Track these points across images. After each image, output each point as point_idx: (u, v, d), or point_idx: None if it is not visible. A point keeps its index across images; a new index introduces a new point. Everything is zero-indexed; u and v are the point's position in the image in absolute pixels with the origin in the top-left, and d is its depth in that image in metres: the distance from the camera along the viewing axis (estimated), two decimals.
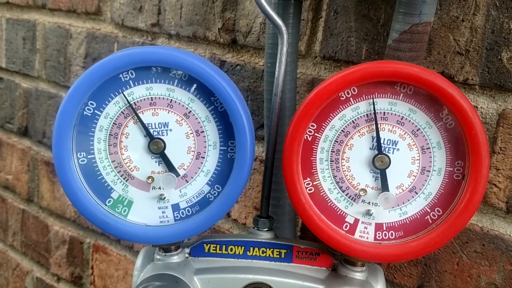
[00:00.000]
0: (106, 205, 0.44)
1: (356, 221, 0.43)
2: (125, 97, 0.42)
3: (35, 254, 0.99)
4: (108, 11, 0.79)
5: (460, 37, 0.50)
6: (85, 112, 0.43)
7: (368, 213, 0.42)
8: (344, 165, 0.43)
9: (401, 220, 0.43)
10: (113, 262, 0.85)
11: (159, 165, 0.44)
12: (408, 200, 0.42)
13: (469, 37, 0.49)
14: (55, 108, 0.89)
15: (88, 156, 0.43)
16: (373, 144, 0.42)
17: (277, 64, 0.45)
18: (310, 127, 0.42)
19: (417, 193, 0.42)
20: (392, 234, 0.42)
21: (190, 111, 0.43)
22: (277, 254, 0.46)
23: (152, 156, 0.44)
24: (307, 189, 0.43)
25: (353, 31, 0.56)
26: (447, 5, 0.50)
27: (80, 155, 0.43)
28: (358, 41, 0.55)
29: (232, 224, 0.70)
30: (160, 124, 0.43)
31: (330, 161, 0.43)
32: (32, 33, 0.91)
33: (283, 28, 0.44)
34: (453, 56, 0.50)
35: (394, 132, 0.42)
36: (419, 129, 0.42)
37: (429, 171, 0.42)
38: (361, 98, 0.42)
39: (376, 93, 0.41)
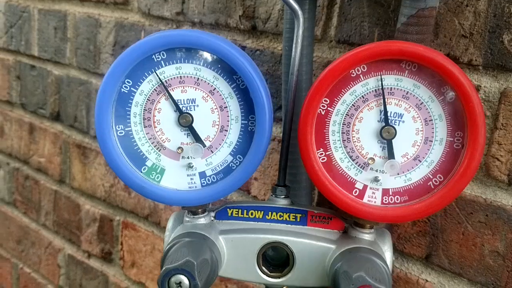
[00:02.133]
0: (141, 172, 0.48)
1: (365, 187, 0.46)
2: (158, 76, 0.46)
3: (67, 232, 1.04)
4: (135, 1, 0.82)
5: (465, 21, 0.52)
6: (122, 90, 0.47)
7: (375, 180, 0.46)
8: (354, 137, 0.46)
9: (406, 186, 0.46)
10: (141, 238, 0.89)
11: (187, 137, 0.48)
12: (412, 168, 0.46)
13: (473, 21, 0.51)
14: (86, 94, 0.93)
15: (126, 129, 0.47)
16: (380, 117, 0.45)
17: (294, 45, 0.49)
18: (323, 102, 0.46)
19: (420, 161, 0.45)
20: (397, 198, 0.46)
21: (215, 88, 0.47)
22: (293, 218, 0.50)
23: (182, 129, 0.47)
24: (320, 159, 0.46)
25: (366, 16, 0.58)
26: None
27: (119, 127, 0.47)
28: (370, 26, 0.58)
29: (252, 200, 0.73)
30: (188, 100, 0.47)
31: (342, 133, 0.46)
32: (63, 23, 0.95)
33: (299, 12, 0.48)
34: (458, 39, 0.53)
35: (400, 105, 0.45)
36: (422, 102, 0.44)
37: (432, 141, 0.45)
38: (370, 75, 0.45)
39: (384, 70, 0.44)
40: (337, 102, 0.46)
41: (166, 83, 0.47)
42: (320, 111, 0.46)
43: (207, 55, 0.47)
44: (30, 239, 1.14)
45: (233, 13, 0.70)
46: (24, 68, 1.06)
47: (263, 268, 0.49)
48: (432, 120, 0.45)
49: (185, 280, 0.41)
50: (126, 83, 0.47)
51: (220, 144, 0.48)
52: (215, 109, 0.47)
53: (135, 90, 0.47)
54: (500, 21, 0.50)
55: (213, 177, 0.49)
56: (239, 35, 0.71)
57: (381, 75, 0.44)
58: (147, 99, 0.47)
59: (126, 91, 0.47)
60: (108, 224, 0.95)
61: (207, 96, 0.47)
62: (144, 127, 0.48)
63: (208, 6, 0.73)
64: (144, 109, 0.47)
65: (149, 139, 0.48)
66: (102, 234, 0.96)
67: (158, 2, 0.79)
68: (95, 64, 0.90)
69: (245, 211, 0.50)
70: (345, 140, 0.46)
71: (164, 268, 0.41)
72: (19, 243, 1.17)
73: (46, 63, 1.01)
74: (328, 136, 0.46)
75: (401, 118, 0.45)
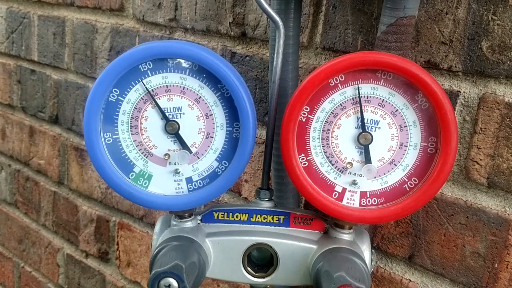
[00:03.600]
0: (129, 178, 0.50)
1: (344, 190, 0.48)
2: (144, 85, 0.48)
3: (66, 232, 1.05)
4: (130, 7, 0.84)
5: (445, 28, 0.53)
6: (110, 98, 0.48)
7: (354, 183, 0.48)
8: (333, 142, 0.48)
9: (382, 189, 0.48)
10: (136, 238, 0.91)
11: (174, 143, 0.49)
12: (388, 171, 0.47)
13: (452, 28, 0.53)
14: (83, 98, 0.95)
15: (113, 136, 0.49)
16: (358, 124, 0.47)
17: (275, 55, 0.50)
18: (304, 109, 0.47)
19: (396, 165, 0.47)
20: (374, 200, 0.47)
21: (200, 96, 0.49)
22: (276, 220, 0.51)
23: (168, 136, 0.49)
24: (302, 163, 0.48)
25: (350, 24, 0.60)
26: None
27: (106, 135, 0.49)
28: (354, 33, 0.59)
29: (243, 202, 0.75)
30: (174, 108, 0.48)
31: (321, 139, 0.48)
32: (61, 28, 0.96)
33: (280, 23, 0.49)
34: (438, 46, 0.54)
35: (376, 113, 0.46)
36: (397, 110, 0.46)
37: (406, 146, 0.47)
38: (348, 84, 0.46)
39: (361, 79, 0.46)
40: (317, 109, 0.48)
41: (153, 92, 0.48)
42: (301, 118, 0.48)
43: (192, 65, 0.48)
44: (31, 239, 1.16)
45: (223, 20, 0.72)
46: (24, 72, 1.08)
47: (248, 268, 0.51)
48: (406, 126, 0.46)
49: (174, 282, 0.43)
50: (114, 92, 0.48)
51: (206, 151, 0.50)
52: (200, 116, 0.49)
53: (122, 99, 0.48)
54: (478, 28, 0.51)
55: (200, 182, 0.50)
56: (230, 41, 0.72)
57: (358, 84, 0.46)
58: (134, 107, 0.49)
59: (114, 100, 0.48)
60: (104, 225, 0.96)
61: (192, 104, 0.49)
62: (132, 134, 0.49)
63: (199, 13, 0.74)
64: (131, 117, 0.49)
65: (136, 146, 0.49)
66: (99, 235, 0.98)
67: (152, 9, 0.80)
68: (91, 69, 0.92)
69: (230, 214, 0.52)
70: (324, 146, 0.48)
71: (153, 272, 0.43)
72: (20, 242, 1.19)
73: (45, 67, 1.03)
74: (308, 142, 0.48)
75: (377, 125, 0.47)
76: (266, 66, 0.68)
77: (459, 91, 0.54)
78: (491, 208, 0.54)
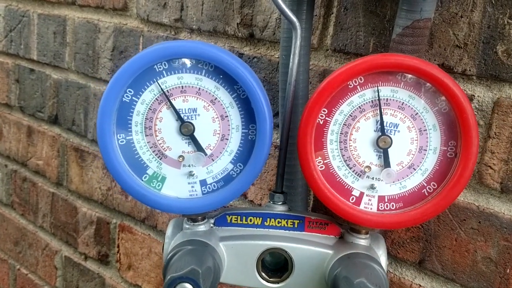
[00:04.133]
0: (142, 180, 0.49)
1: (361, 194, 0.48)
2: (159, 86, 0.47)
3: (64, 234, 1.04)
4: (134, 7, 0.83)
5: (459, 31, 0.53)
6: (124, 99, 0.47)
7: (372, 187, 0.47)
8: (351, 145, 0.47)
9: (401, 193, 0.47)
10: (138, 241, 0.90)
11: (188, 145, 0.49)
12: (407, 176, 0.47)
13: (467, 31, 0.52)
14: (84, 98, 0.94)
15: (127, 137, 0.48)
16: (377, 127, 0.46)
17: (291, 56, 0.50)
18: (322, 112, 0.47)
19: (415, 169, 0.47)
20: (393, 205, 0.47)
21: (216, 98, 0.48)
22: (291, 224, 0.51)
23: (183, 137, 0.48)
24: (319, 167, 0.48)
25: (362, 26, 0.59)
26: (447, 2, 0.53)
27: (120, 136, 0.48)
28: (366, 35, 0.59)
29: (248, 205, 0.74)
30: (189, 110, 0.48)
31: (339, 142, 0.47)
32: (62, 27, 0.95)
33: (297, 24, 0.49)
34: (452, 49, 0.54)
35: (396, 116, 0.46)
36: (417, 113, 0.46)
37: (426, 150, 0.46)
38: (367, 86, 0.46)
39: (380, 82, 0.46)
40: (335, 112, 0.47)
41: (168, 92, 0.48)
42: (318, 120, 0.47)
43: (209, 66, 0.47)
44: (28, 240, 1.14)
45: (231, 21, 0.71)
46: (23, 71, 1.07)
47: (262, 273, 0.50)
48: (426, 130, 0.46)
49: None
50: (128, 92, 0.47)
51: (221, 153, 0.49)
52: (216, 118, 0.48)
53: (137, 100, 0.48)
54: (494, 32, 0.51)
55: (214, 185, 0.49)
56: (237, 42, 0.72)
57: (377, 86, 0.46)
58: (149, 108, 0.48)
59: (128, 100, 0.48)
60: (105, 227, 0.95)
61: (208, 106, 0.48)
62: (146, 135, 0.48)
63: (206, 13, 0.73)
64: (145, 118, 0.48)
65: (150, 147, 0.49)
66: (99, 237, 0.97)
67: (156, 9, 0.80)
68: (93, 69, 0.91)
69: (244, 217, 0.51)
70: (342, 149, 0.47)
71: (169, 277, 0.42)
72: (16, 244, 1.18)
73: (45, 67, 1.02)
74: (326, 145, 0.48)
75: (396, 128, 0.46)
76: (274, 67, 0.68)
77: (473, 95, 0.54)
78: (503, 213, 0.53)
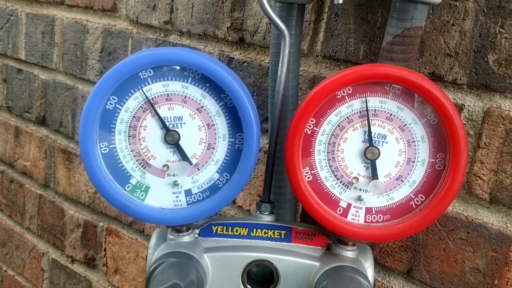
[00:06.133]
0: (125, 190, 0.48)
1: (349, 205, 0.47)
2: (144, 93, 0.46)
3: (51, 236, 1.03)
4: (123, 8, 0.82)
5: (450, 40, 0.52)
6: (107, 106, 0.46)
7: (359, 199, 0.47)
8: (339, 156, 0.47)
9: (388, 205, 0.47)
10: (125, 245, 0.89)
11: (173, 154, 0.48)
12: (395, 187, 0.46)
13: (458, 40, 0.52)
14: (72, 99, 0.93)
15: (110, 146, 0.47)
16: (365, 138, 0.46)
17: (280, 64, 0.49)
18: (310, 122, 0.46)
19: (403, 181, 0.46)
20: (380, 217, 0.46)
21: (202, 106, 0.47)
22: (277, 235, 0.50)
23: (168, 146, 0.47)
24: (306, 177, 0.47)
25: (352, 32, 0.59)
26: (438, 10, 0.52)
27: (103, 144, 0.47)
28: (356, 42, 0.58)
29: (237, 211, 0.74)
30: (175, 118, 0.47)
31: (327, 152, 0.47)
32: (50, 27, 0.94)
33: (286, 32, 0.48)
34: (443, 58, 0.53)
35: (384, 127, 0.45)
36: (405, 124, 0.45)
37: (414, 162, 0.46)
38: (355, 96, 0.45)
39: (369, 92, 0.45)
40: (323, 122, 0.46)
41: (153, 100, 0.47)
42: (306, 130, 0.46)
43: (195, 73, 0.47)
44: (15, 242, 1.13)
45: (221, 25, 0.70)
46: (11, 71, 1.05)
47: (248, 286, 0.49)
48: (414, 141, 0.46)
49: None
50: (111, 100, 0.46)
51: (207, 162, 0.48)
52: (202, 126, 0.48)
53: (121, 107, 0.47)
54: (485, 41, 0.51)
55: (199, 195, 0.49)
56: (227, 46, 0.71)
57: (366, 97, 0.45)
58: (133, 116, 0.47)
59: (111, 108, 0.47)
60: (91, 230, 0.94)
61: (194, 114, 0.47)
62: (129, 144, 0.47)
63: (196, 16, 0.73)
64: (129, 126, 0.47)
65: (134, 156, 0.48)
66: (86, 240, 0.96)
67: (146, 11, 0.79)
68: (81, 70, 0.90)
69: (230, 228, 0.50)
70: (330, 159, 0.47)
71: None
72: (3, 245, 1.16)
73: (33, 67, 1.00)
74: (314, 155, 0.47)
75: (384, 139, 0.46)
76: (264, 72, 0.67)
77: (464, 105, 0.53)
78: (492, 224, 0.53)
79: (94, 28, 0.87)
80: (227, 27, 0.69)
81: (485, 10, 0.50)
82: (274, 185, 0.59)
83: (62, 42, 0.93)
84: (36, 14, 0.97)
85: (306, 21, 0.62)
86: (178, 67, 0.46)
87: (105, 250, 0.92)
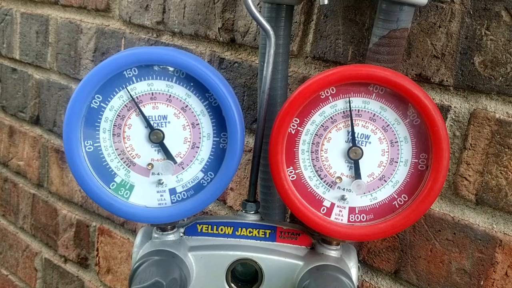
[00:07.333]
0: (110, 188, 0.48)
1: (332, 205, 0.47)
2: (129, 92, 0.46)
3: (44, 236, 1.03)
4: (116, 8, 0.82)
5: (437, 41, 0.52)
6: (92, 105, 0.47)
7: (343, 198, 0.47)
8: (323, 156, 0.47)
9: (371, 205, 0.47)
10: (117, 244, 0.89)
11: (158, 153, 0.48)
12: (378, 187, 0.47)
13: (445, 42, 0.52)
14: (66, 99, 0.93)
15: (94, 144, 0.47)
16: (348, 138, 0.46)
17: (265, 64, 0.49)
18: (294, 121, 0.46)
19: (386, 181, 0.46)
20: (363, 217, 0.47)
21: (187, 105, 0.47)
22: (262, 234, 0.50)
23: (152, 145, 0.48)
24: (290, 177, 0.47)
25: (341, 34, 0.59)
26: (425, 12, 0.52)
27: (87, 143, 0.47)
28: (345, 43, 0.59)
29: (228, 211, 0.74)
30: (159, 117, 0.47)
31: (311, 152, 0.47)
32: (45, 27, 0.94)
33: (271, 32, 0.48)
34: (430, 59, 0.53)
35: (367, 127, 0.46)
36: (388, 125, 0.45)
37: (397, 162, 0.46)
38: (339, 97, 0.46)
39: (352, 93, 0.45)
40: (307, 122, 0.47)
41: (137, 99, 0.47)
42: (290, 130, 0.47)
43: (180, 72, 0.47)
44: (8, 241, 1.13)
45: (212, 25, 0.70)
46: (5, 70, 1.06)
47: (232, 285, 0.49)
48: (397, 141, 0.46)
49: None
50: (96, 98, 0.46)
51: (191, 161, 0.48)
52: (187, 126, 0.48)
53: (105, 106, 0.47)
54: (471, 43, 0.51)
55: (184, 194, 0.49)
56: (218, 46, 0.71)
57: (349, 97, 0.45)
58: (117, 114, 0.47)
59: (96, 107, 0.47)
60: (84, 230, 0.94)
61: (179, 113, 0.47)
62: (114, 142, 0.48)
63: (188, 17, 0.73)
64: (114, 125, 0.47)
65: (118, 155, 0.48)
66: (79, 240, 0.96)
67: (139, 11, 0.79)
68: (75, 70, 0.90)
69: (215, 227, 0.50)
70: (314, 159, 0.47)
71: None
72: None
73: (27, 66, 1.01)
74: (298, 154, 0.47)
75: (367, 139, 0.46)
76: (255, 73, 0.67)
77: (450, 106, 0.53)
78: (478, 225, 0.53)
79: (88, 28, 0.87)
80: (219, 27, 0.70)
81: (471, 12, 0.50)
82: (263, 185, 0.59)
83: (56, 42, 0.93)
84: (30, 13, 0.97)
85: (296, 22, 0.62)
86: (163, 66, 0.46)
87: (97, 249, 0.92)
